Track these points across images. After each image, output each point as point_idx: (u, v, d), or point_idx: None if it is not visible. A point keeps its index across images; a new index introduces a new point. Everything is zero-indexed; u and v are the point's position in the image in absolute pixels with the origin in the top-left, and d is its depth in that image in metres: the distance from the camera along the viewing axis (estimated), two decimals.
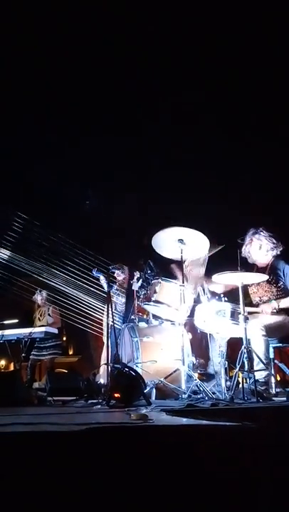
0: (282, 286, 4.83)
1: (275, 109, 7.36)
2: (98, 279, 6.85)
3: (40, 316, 7.79)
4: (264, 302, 4.86)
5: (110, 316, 4.51)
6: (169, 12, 6.66)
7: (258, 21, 6.61)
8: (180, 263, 4.73)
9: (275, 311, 4.71)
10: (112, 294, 6.05)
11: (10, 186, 7.56)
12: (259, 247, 4.95)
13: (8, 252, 8.15)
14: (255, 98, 7.39)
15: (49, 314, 7.71)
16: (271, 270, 4.91)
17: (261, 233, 4.97)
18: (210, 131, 7.59)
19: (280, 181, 7.54)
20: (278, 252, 4.97)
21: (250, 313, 4.64)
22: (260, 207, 7.44)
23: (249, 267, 4.99)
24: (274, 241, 4.96)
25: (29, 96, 7.24)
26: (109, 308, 4.50)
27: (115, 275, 6.49)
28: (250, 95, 7.42)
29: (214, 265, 4.84)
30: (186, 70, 7.24)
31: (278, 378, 5.58)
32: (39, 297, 7.89)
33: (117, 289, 6.44)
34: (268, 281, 4.85)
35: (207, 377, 4.81)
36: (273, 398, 4.37)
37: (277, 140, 7.52)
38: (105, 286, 5.27)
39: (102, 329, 6.61)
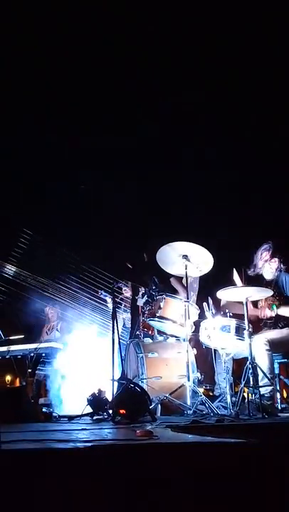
0: (284, 298, 4.87)
1: (276, 109, 7.35)
2: (105, 301, 6.89)
3: (49, 330, 7.78)
4: (267, 318, 4.90)
5: (116, 332, 4.52)
6: (169, 12, 6.73)
7: (258, 21, 6.67)
8: (180, 278, 4.75)
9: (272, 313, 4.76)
10: (120, 311, 6.06)
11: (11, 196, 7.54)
12: (263, 265, 5.00)
13: (14, 268, 8.20)
14: (255, 98, 7.40)
15: (57, 330, 7.71)
16: (276, 283, 4.96)
17: (264, 251, 5.03)
18: (210, 132, 7.61)
19: (281, 184, 7.48)
20: (283, 266, 5.02)
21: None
22: (261, 211, 7.39)
23: (257, 281, 5.05)
24: (278, 258, 5.00)
25: (29, 96, 7.28)
26: (115, 325, 4.52)
27: (123, 291, 6.51)
28: (250, 95, 7.43)
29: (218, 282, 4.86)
30: (186, 70, 7.29)
31: (285, 394, 5.56)
32: (50, 311, 7.89)
33: (124, 306, 6.46)
34: (272, 295, 4.90)
35: (212, 398, 4.81)
36: (279, 414, 4.37)
37: (278, 140, 7.49)
38: (111, 306, 5.28)
39: None
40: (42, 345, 7.35)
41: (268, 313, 4.79)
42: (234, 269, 4.70)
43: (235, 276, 4.71)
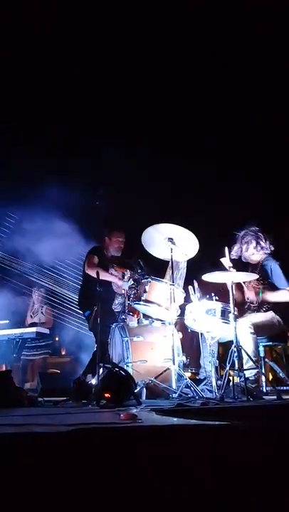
0: (268, 283, 4.89)
1: (276, 107, 7.33)
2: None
3: (33, 313, 7.75)
4: (250, 301, 4.92)
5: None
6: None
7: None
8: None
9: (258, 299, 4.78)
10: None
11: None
12: (247, 247, 4.99)
13: None
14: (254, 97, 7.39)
15: (42, 313, 7.69)
16: (261, 268, 4.96)
17: (250, 233, 5.02)
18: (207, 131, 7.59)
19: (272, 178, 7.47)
20: (268, 251, 5.01)
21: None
22: (250, 203, 7.38)
23: (243, 265, 5.05)
24: (262, 240, 4.99)
25: (28, 97, 7.20)
26: (99, 309, 4.49)
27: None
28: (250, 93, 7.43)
29: (204, 265, 4.83)
30: (185, 70, 7.26)
31: (270, 377, 5.60)
32: (36, 294, 7.86)
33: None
34: (257, 279, 4.91)
35: (198, 381, 4.82)
36: (264, 397, 4.39)
37: (277, 138, 7.47)
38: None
39: None
40: (27, 329, 7.35)
41: (252, 296, 4.80)
42: (226, 248, 4.68)
43: (226, 257, 4.70)
